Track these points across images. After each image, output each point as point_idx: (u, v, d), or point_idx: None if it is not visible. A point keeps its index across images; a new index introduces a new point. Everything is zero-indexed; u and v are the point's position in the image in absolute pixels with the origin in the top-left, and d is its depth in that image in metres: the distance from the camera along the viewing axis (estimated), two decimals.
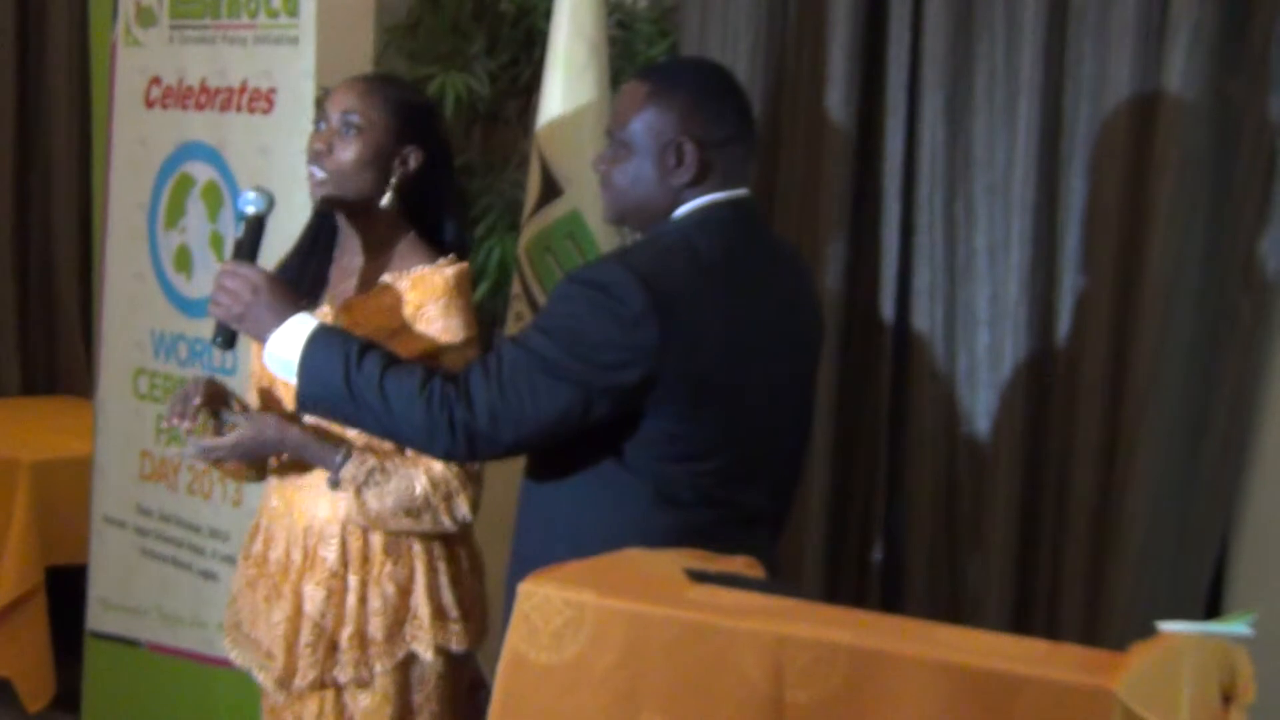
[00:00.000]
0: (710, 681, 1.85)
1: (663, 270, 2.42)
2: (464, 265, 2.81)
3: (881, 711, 1.75)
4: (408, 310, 2.74)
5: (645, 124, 2.54)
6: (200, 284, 4.00)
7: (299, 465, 2.83)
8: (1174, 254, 3.13)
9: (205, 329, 3.94)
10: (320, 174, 2.75)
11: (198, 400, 2.80)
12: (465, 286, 2.80)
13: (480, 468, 2.77)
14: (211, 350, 3.93)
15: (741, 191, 2.57)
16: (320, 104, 2.82)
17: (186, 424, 2.80)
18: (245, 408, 2.88)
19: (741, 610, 1.90)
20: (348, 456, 2.72)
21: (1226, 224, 3.18)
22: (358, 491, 2.71)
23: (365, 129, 2.75)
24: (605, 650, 1.90)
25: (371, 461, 2.72)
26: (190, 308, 4.03)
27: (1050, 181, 3.34)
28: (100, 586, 4.32)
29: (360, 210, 2.80)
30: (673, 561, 2.16)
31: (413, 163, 2.80)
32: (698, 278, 2.45)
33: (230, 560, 3.91)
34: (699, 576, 2.07)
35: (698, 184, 2.53)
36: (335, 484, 2.72)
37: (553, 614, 1.93)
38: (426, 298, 2.74)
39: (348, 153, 2.75)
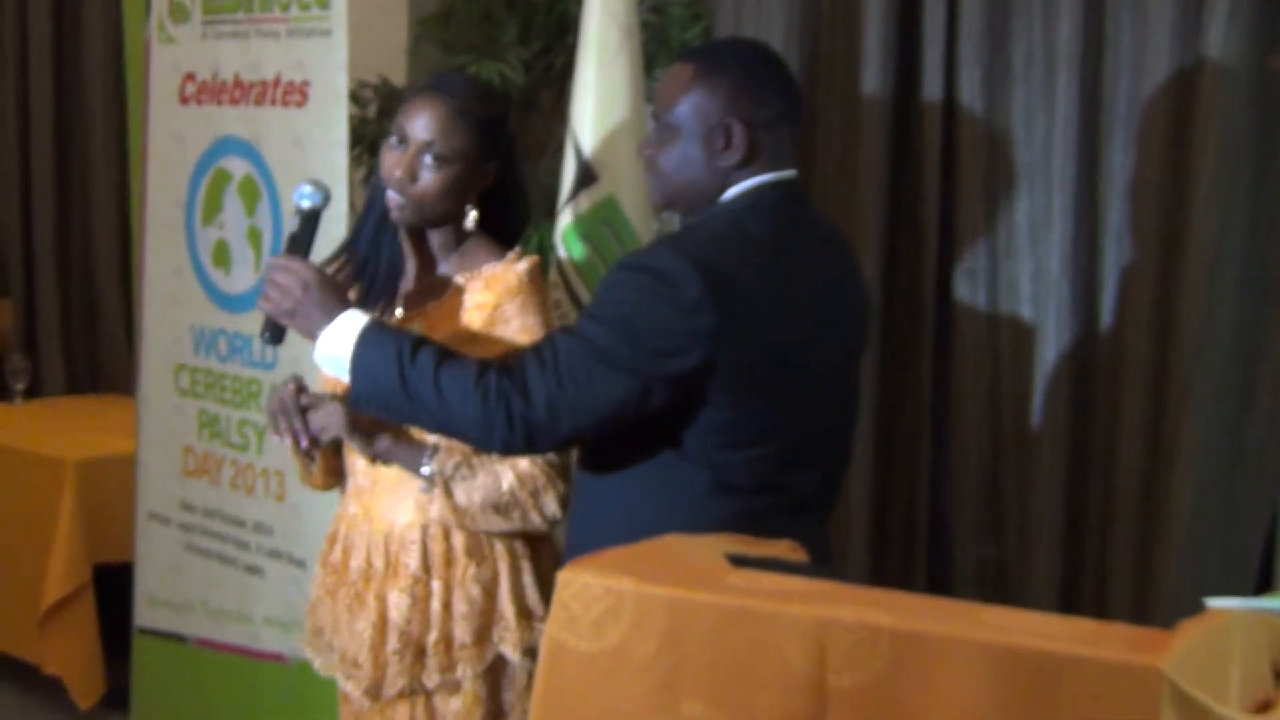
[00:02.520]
0: (752, 667, 1.84)
1: (716, 254, 2.40)
2: (535, 259, 2.78)
3: (926, 694, 1.74)
4: (485, 312, 2.71)
5: (692, 106, 2.51)
6: (239, 279, 4.01)
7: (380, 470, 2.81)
8: (1217, 226, 3.09)
9: (244, 323, 3.95)
10: (400, 199, 2.70)
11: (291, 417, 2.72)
12: (539, 282, 2.77)
13: (565, 462, 2.74)
14: (251, 345, 3.95)
15: (790, 173, 2.55)
16: (396, 113, 2.77)
17: (305, 440, 2.73)
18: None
19: (783, 594, 1.89)
20: (435, 453, 2.70)
21: (1270, 194, 3.14)
22: (445, 485, 2.69)
23: (451, 159, 2.70)
24: (646, 637, 1.89)
25: (458, 456, 2.69)
26: (229, 303, 4.04)
27: (1090, 156, 3.31)
28: (146, 583, 4.34)
29: (430, 227, 2.78)
30: (713, 547, 2.14)
31: (491, 177, 2.77)
32: (750, 261, 2.43)
33: (275, 555, 3.92)
34: (740, 561, 2.05)
35: (746, 166, 2.50)
36: (428, 479, 2.70)
37: (592, 602, 1.92)
38: (503, 297, 2.71)
39: (432, 183, 2.70)
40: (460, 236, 2.80)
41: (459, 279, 2.76)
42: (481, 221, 2.81)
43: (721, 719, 1.85)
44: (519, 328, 2.71)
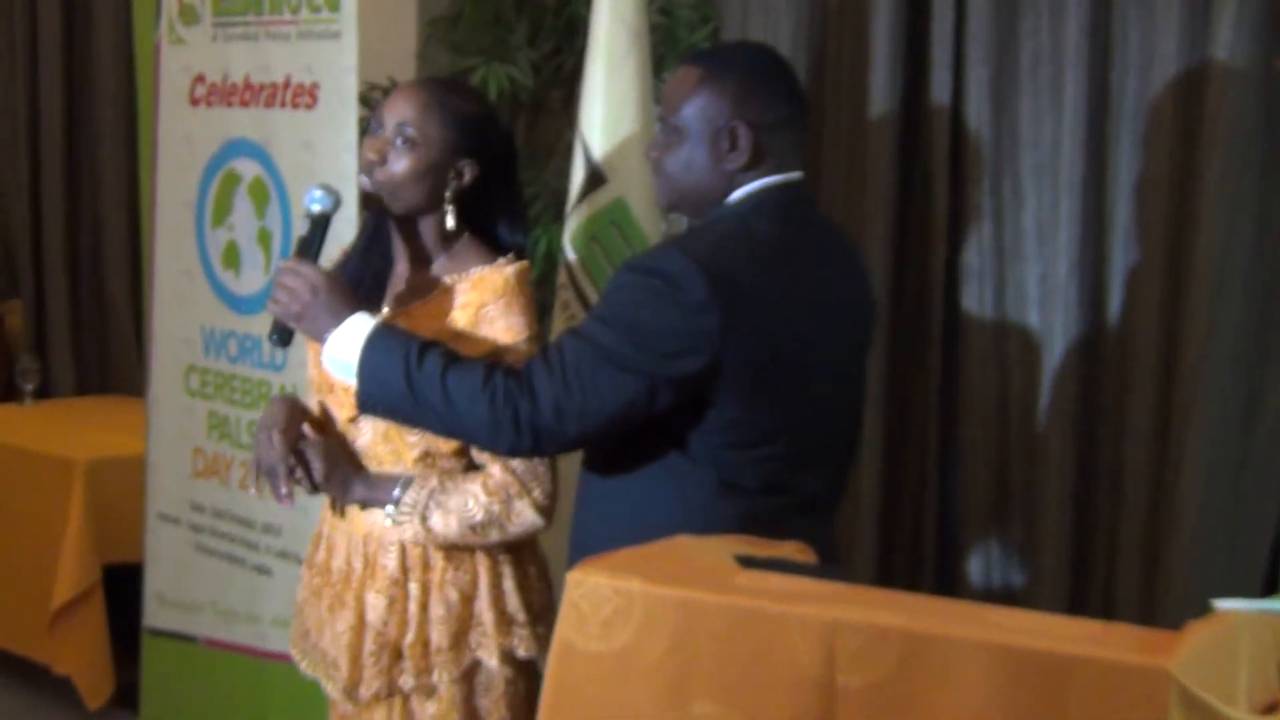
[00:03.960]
0: (761, 667, 1.84)
1: (722, 256, 2.40)
2: (524, 263, 2.76)
3: (934, 694, 1.74)
4: (469, 312, 2.69)
5: (698, 109, 2.51)
6: (248, 280, 4.02)
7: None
8: (1224, 228, 3.09)
9: (254, 325, 3.96)
10: (370, 184, 2.70)
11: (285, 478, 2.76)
12: (525, 284, 2.75)
13: (547, 467, 2.73)
14: (261, 347, 3.96)
15: (795, 175, 2.55)
16: (377, 106, 2.78)
17: (289, 503, 2.80)
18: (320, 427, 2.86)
19: (791, 595, 1.89)
20: (406, 486, 2.71)
21: (1277, 196, 3.14)
22: (423, 517, 2.69)
23: (420, 143, 2.69)
24: (655, 638, 1.89)
25: (432, 483, 2.70)
26: (239, 304, 4.05)
27: (1098, 158, 3.31)
28: (156, 583, 4.35)
29: (411, 219, 2.76)
30: (722, 548, 2.15)
31: (468, 176, 2.74)
32: (756, 263, 2.43)
33: (284, 555, 3.93)
34: (748, 562, 2.06)
35: (752, 168, 2.51)
36: (391, 515, 2.71)
37: (602, 602, 1.92)
38: (487, 297, 2.69)
39: (400, 166, 2.69)
40: (449, 238, 2.79)
41: (447, 280, 2.75)
42: (469, 226, 2.81)
43: (731, 719, 1.86)
44: (503, 328, 2.69)
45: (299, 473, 2.74)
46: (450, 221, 2.74)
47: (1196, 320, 3.13)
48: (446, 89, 2.81)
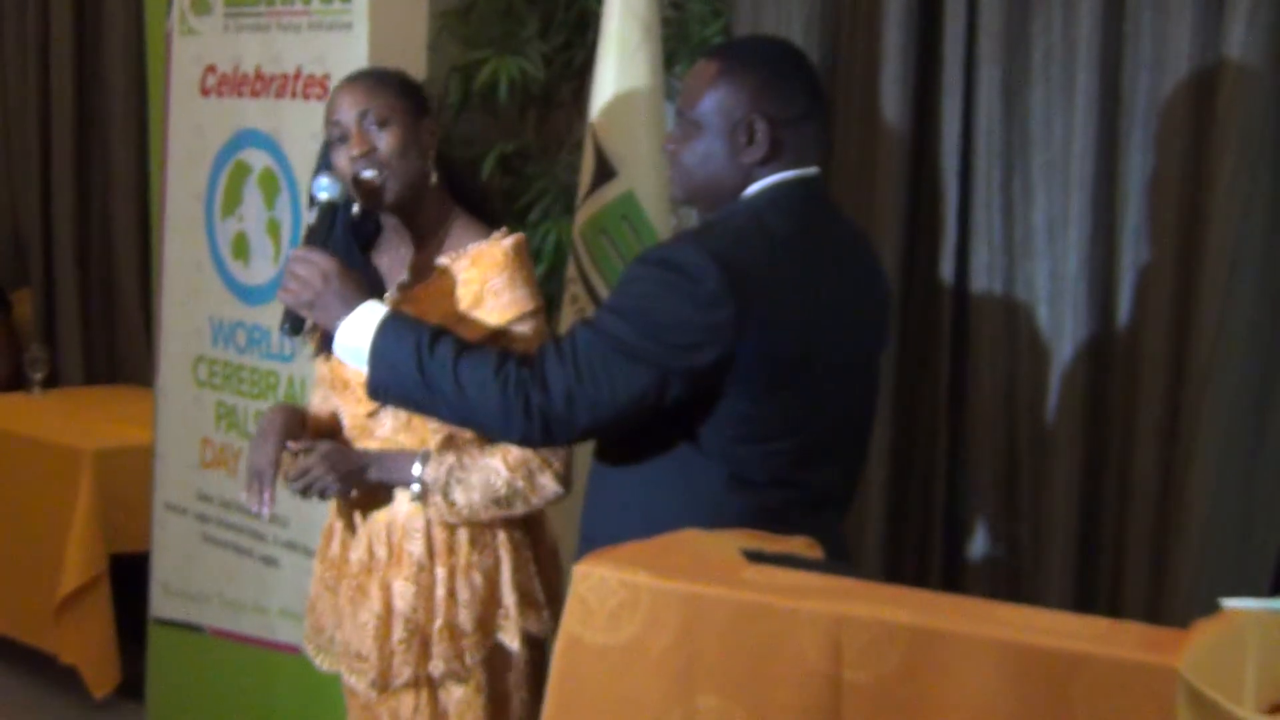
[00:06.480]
0: (767, 662, 1.84)
1: (737, 249, 2.40)
2: (521, 236, 2.79)
3: (941, 691, 1.74)
4: (472, 288, 2.72)
5: (716, 102, 2.51)
6: (258, 271, 4.02)
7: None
8: (1236, 227, 3.08)
9: (263, 316, 3.97)
10: (372, 172, 2.71)
11: (270, 484, 2.80)
12: (525, 256, 2.78)
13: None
14: (269, 337, 3.96)
15: (812, 170, 2.55)
16: (326, 123, 2.78)
17: (267, 510, 2.81)
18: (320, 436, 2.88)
19: (799, 590, 1.89)
20: (425, 461, 2.72)
21: None
22: (444, 493, 2.71)
23: (390, 116, 2.73)
24: (661, 631, 1.89)
25: (450, 459, 2.71)
26: (249, 295, 4.05)
27: (1109, 156, 3.30)
28: (163, 573, 4.36)
29: (411, 199, 2.78)
30: (729, 542, 2.14)
31: (435, 135, 2.80)
32: (771, 257, 2.43)
33: (291, 546, 3.93)
34: (756, 557, 2.05)
35: (769, 162, 2.50)
36: (419, 493, 2.72)
37: (608, 595, 1.93)
38: (490, 272, 2.72)
39: (389, 142, 2.72)
40: (443, 217, 2.82)
41: (445, 260, 2.77)
42: (458, 202, 2.84)
43: (736, 713, 1.85)
44: (509, 301, 2.72)
45: (317, 484, 2.76)
46: (435, 177, 2.77)
47: (1207, 318, 3.12)
48: (372, 72, 2.88)
